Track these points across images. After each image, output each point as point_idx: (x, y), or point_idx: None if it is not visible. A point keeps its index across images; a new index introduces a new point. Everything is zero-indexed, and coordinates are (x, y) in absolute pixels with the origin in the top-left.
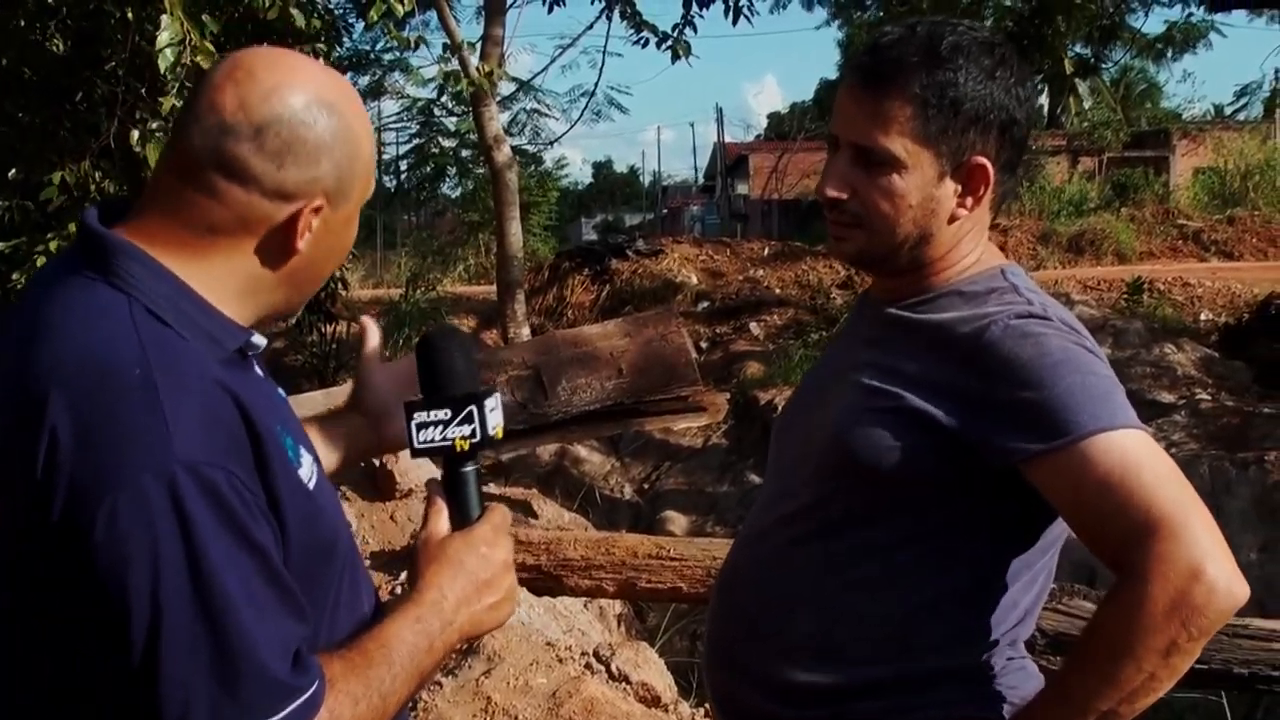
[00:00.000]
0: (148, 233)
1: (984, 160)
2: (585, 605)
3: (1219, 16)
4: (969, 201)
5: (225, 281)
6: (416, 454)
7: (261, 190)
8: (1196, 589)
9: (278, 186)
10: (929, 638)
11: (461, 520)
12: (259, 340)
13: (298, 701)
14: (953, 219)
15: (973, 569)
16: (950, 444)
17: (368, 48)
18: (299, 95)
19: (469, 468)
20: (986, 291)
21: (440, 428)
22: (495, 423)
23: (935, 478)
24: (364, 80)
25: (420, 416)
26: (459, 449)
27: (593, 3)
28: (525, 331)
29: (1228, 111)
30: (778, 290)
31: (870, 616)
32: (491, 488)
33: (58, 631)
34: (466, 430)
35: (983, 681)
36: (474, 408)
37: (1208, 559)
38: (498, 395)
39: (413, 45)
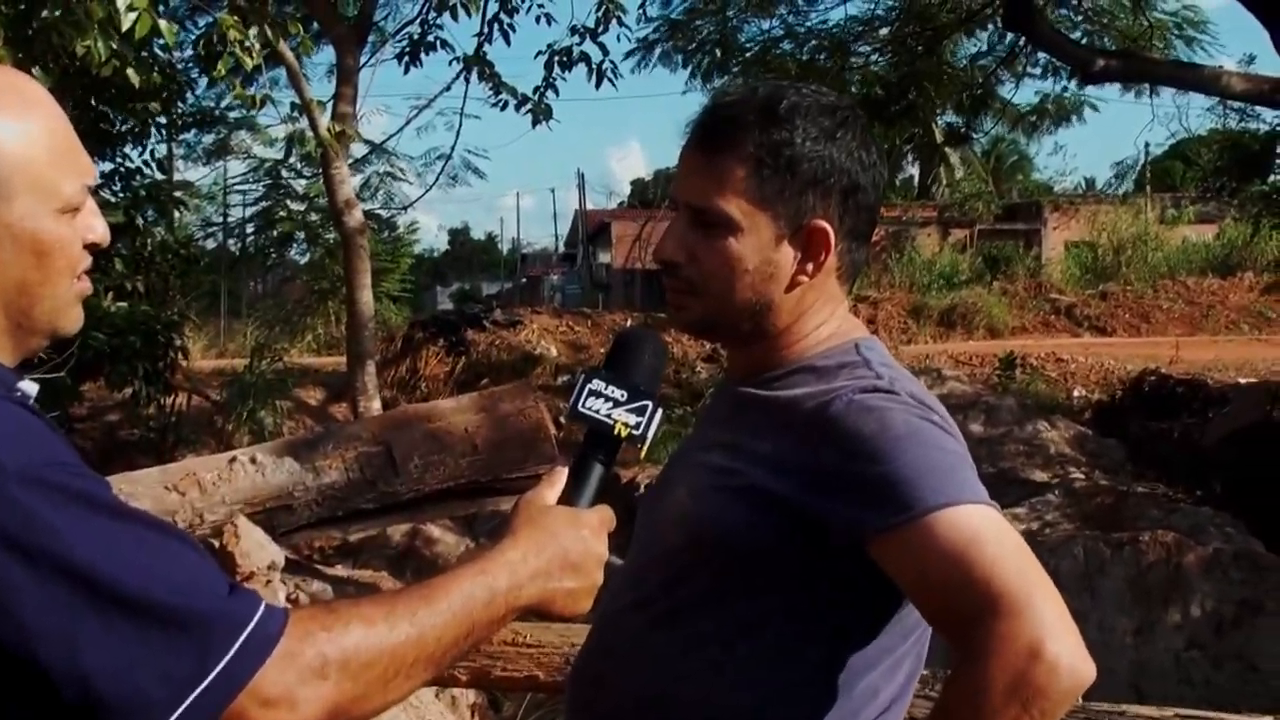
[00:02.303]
0: None
1: (824, 224)
2: (437, 695)
3: (1091, 90)
4: (810, 267)
5: None
6: (573, 417)
7: None
8: (1037, 669)
9: None
10: None
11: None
12: (27, 387)
13: (250, 626)
14: (793, 285)
15: (827, 654)
16: (796, 522)
17: (212, 104)
18: None
19: (602, 465)
20: (838, 367)
21: (610, 404)
22: (652, 435)
23: (782, 557)
24: (208, 139)
25: (597, 385)
26: (616, 432)
27: (450, 63)
28: (376, 405)
29: (1100, 186)
30: None
31: (725, 703)
32: (339, 569)
33: None
34: (632, 420)
35: None
36: (649, 404)
37: (1049, 637)
38: (661, 416)
39: (258, 104)
